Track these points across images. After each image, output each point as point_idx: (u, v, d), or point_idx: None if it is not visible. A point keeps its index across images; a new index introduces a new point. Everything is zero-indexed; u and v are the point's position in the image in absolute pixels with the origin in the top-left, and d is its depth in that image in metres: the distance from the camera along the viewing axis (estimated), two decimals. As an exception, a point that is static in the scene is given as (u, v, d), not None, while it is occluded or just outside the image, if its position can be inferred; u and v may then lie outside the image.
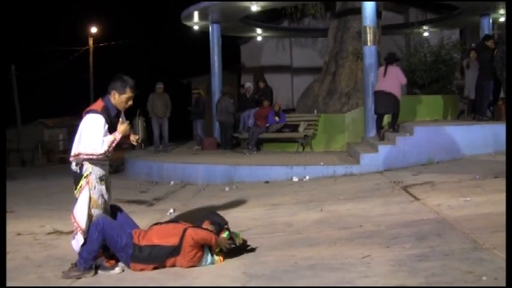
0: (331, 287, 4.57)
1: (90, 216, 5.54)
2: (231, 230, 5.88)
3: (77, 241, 5.56)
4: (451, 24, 22.49)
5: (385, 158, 11.98)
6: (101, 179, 5.62)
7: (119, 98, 5.68)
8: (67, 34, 53.06)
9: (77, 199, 5.60)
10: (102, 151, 5.46)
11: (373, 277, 4.71)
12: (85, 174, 5.56)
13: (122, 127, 5.64)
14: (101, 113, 5.57)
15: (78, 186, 5.58)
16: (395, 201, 8.32)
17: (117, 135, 5.56)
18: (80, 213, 5.54)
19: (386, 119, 14.02)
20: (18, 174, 23.94)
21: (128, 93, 5.69)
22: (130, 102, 5.79)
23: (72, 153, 5.59)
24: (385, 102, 13.06)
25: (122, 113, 6.00)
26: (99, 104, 5.68)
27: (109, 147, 5.50)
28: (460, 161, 11.64)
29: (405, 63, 19.04)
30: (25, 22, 57.76)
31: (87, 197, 5.53)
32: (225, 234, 5.64)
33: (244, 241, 5.83)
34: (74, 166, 5.64)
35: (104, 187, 5.66)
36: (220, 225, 5.81)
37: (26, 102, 42.67)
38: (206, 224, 5.75)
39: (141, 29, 60.87)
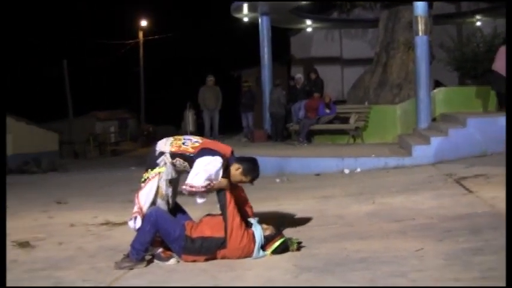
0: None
1: (153, 203, 5.59)
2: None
3: (134, 223, 5.57)
4: (505, 13, 21.97)
5: (437, 150, 11.81)
6: (170, 181, 5.67)
7: (238, 176, 5.69)
8: (118, 28, 53.79)
9: (142, 184, 5.64)
10: (196, 184, 5.46)
11: (426, 271, 4.65)
12: (159, 170, 5.61)
13: (223, 182, 5.62)
14: (224, 158, 5.60)
15: (148, 174, 5.62)
16: (448, 193, 8.19)
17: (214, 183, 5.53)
18: (146, 198, 5.56)
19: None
20: (71, 166, 24.49)
21: (246, 179, 5.74)
22: (240, 184, 5.83)
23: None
24: (494, 81, 14.11)
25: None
26: (228, 151, 5.74)
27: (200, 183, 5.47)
28: (515, 153, 11.41)
29: (457, 53, 18.74)
30: (77, 17, 58.65)
31: (156, 185, 5.57)
32: (278, 242, 5.61)
33: (299, 248, 5.73)
34: (157, 152, 5.69)
35: (170, 189, 5.69)
36: (280, 230, 5.82)
37: (79, 96, 43.50)
38: (270, 229, 5.72)
39: (190, 21, 61.25)
